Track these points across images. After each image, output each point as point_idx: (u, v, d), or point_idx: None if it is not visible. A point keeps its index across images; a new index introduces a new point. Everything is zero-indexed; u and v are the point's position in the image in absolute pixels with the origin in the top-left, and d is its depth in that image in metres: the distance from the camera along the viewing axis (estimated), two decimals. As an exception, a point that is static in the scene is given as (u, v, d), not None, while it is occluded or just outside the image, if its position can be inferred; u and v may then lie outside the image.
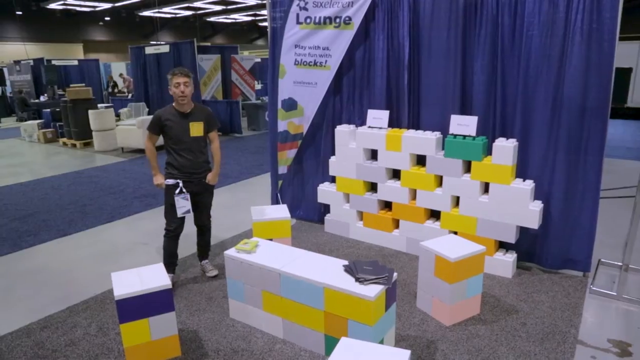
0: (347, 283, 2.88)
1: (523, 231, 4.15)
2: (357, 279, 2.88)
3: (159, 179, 3.91)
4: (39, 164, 9.86)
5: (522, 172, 4.13)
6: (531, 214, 3.88)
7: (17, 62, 19.20)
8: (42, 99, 17.06)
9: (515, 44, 3.96)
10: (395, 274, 2.96)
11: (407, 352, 2.18)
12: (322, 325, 3.01)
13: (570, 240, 4.05)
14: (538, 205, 3.92)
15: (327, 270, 3.06)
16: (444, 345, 3.14)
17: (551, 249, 4.13)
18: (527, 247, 4.24)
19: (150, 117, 10.45)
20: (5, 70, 19.78)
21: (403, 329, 3.36)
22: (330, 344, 2.97)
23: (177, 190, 3.83)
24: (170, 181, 3.86)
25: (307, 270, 3.07)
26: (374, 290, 2.77)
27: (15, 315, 3.70)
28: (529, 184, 3.93)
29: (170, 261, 4.03)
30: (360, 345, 2.23)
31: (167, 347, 3.05)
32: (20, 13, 24.22)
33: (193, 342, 3.23)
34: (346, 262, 3.13)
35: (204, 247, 4.30)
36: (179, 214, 3.85)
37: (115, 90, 19.08)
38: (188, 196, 3.86)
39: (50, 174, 8.68)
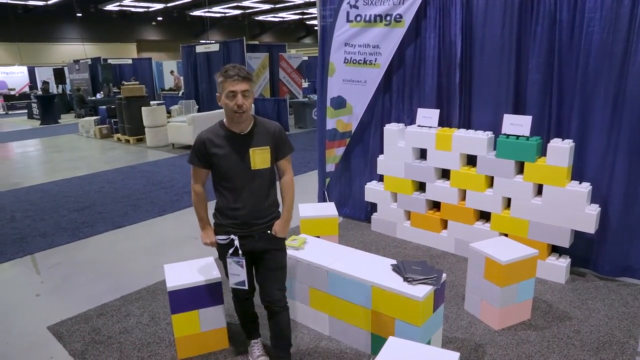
0: (396, 282, 2.86)
1: (578, 235, 3.98)
2: (405, 279, 2.85)
3: (209, 236, 2.75)
4: (95, 158, 10.31)
5: (578, 174, 3.97)
6: (587, 217, 3.73)
7: (76, 62, 20.19)
8: (98, 96, 17.83)
9: (574, 40, 3.81)
10: (444, 275, 2.91)
11: (456, 355, 2.15)
12: (368, 324, 3.00)
13: (629, 247, 3.86)
14: (595, 209, 3.76)
15: (375, 269, 3.04)
16: (493, 350, 3.07)
17: (608, 255, 3.94)
18: (582, 252, 4.07)
19: (201, 115, 10.82)
20: (66, 70, 20.80)
21: (450, 330, 3.30)
22: (377, 342, 2.96)
23: (231, 250, 2.67)
24: (222, 238, 2.70)
25: (355, 268, 3.07)
26: (422, 291, 2.74)
27: (74, 302, 3.89)
28: (586, 187, 3.78)
29: (251, 320, 3.02)
30: (409, 345, 2.21)
31: (215, 339, 3.13)
32: (80, 15, 25.38)
33: (240, 335, 3.28)
34: (394, 262, 3.11)
35: (278, 339, 2.81)
36: (231, 283, 2.73)
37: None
38: (243, 262, 2.66)
39: (105, 168, 9.06)
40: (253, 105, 12.11)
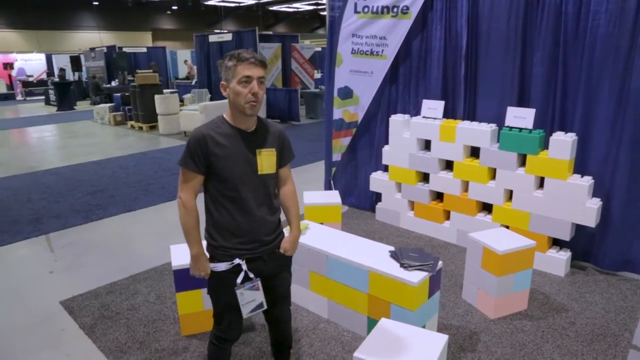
0: (392, 268, 2.93)
1: (579, 229, 4.01)
2: (401, 265, 2.93)
3: (202, 265, 2.23)
4: (109, 144, 10.48)
5: (581, 167, 3.99)
6: (588, 211, 3.76)
7: (92, 50, 20.37)
8: (113, 84, 18.02)
9: (579, 34, 3.82)
10: (440, 262, 2.98)
11: (444, 337, 2.22)
12: (365, 308, 3.08)
13: (630, 241, 3.88)
14: (596, 203, 3.79)
15: (373, 255, 3.12)
16: (487, 337, 3.14)
17: (609, 249, 3.98)
18: (583, 246, 4.11)
19: (212, 103, 10.92)
20: (82, 57, 21.03)
21: (447, 318, 3.37)
22: (373, 326, 3.02)
23: (240, 278, 2.19)
24: (221, 266, 2.20)
25: (354, 253, 3.15)
26: (417, 277, 2.82)
27: (85, 280, 4.04)
28: (587, 180, 3.81)
29: None
30: (399, 327, 2.29)
31: (218, 318, 3.23)
32: (97, 3, 25.59)
33: (242, 316, 3.40)
34: (392, 248, 3.18)
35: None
36: (247, 312, 2.24)
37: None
38: (259, 282, 2.23)
39: (118, 154, 9.22)
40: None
